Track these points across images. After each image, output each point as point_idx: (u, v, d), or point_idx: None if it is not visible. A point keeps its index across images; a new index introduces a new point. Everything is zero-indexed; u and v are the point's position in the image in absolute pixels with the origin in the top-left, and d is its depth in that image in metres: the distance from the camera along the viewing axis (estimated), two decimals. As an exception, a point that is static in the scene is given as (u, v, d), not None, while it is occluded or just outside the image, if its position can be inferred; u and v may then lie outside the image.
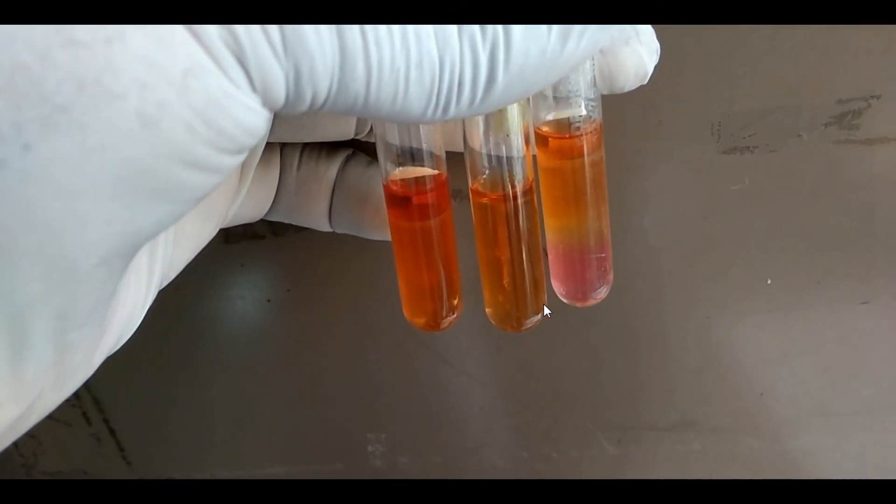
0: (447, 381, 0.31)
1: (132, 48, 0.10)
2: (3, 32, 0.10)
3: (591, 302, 0.21)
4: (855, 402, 0.30)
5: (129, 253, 0.12)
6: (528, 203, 0.19)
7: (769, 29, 0.23)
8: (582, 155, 0.19)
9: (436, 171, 0.20)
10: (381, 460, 0.33)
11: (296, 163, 0.22)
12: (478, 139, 0.18)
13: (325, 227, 0.23)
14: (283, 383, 0.31)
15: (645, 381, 0.30)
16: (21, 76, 0.10)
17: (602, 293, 0.21)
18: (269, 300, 0.29)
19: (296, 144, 0.22)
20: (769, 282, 0.27)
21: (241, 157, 0.13)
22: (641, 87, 0.23)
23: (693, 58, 0.23)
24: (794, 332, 0.29)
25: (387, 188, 0.20)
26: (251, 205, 0.21)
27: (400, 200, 0.20)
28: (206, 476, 0.33)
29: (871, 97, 0.23)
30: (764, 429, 0.31)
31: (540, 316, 0.21)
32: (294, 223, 0.23)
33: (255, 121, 0.12)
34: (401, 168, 0.19)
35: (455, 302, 0.21)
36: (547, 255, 0.21)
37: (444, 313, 0.21)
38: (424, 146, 0.19)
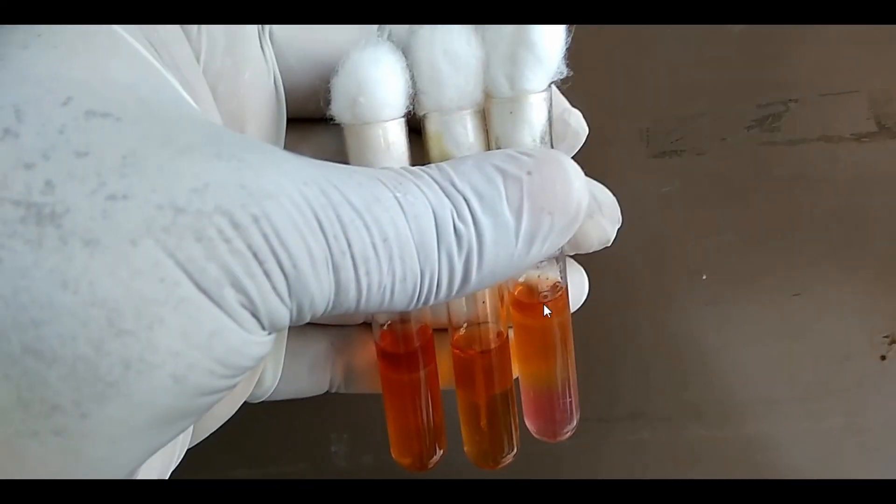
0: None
1: (168, 328, 0.12)
2: (66, 331, 0.12)
3: (561, 438, 0.22)
4: (794, 389, 0.32)
5: (151, 455, 0.14)
6: (503, 356, 0.21)
7: (693, 39, 0.24)
8: (550, 315, 0.20)
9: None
10: (344, 460, 0.34)
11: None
12: (456, 303, 0.21)
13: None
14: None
15: (593, 376, 0.31)
16: (81, 365, 0.12)
17: (570, 430, 0.22)
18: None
19: None
20: (704, 277, 0.28)
21: (252, 370, 0.15)
22: (575, 96, 0.24)
23: (622, 69, 0.24)
24: (732, 324, 0.30)
25: (378, 345, 0.21)
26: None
27: (390, 356, 0.21)
28: (168, 481, 0.34)
29: (790, 101, 0.25)
30: (709, 417, 0.32)
31: (515, 452, 0.23)
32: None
33: (262, 348, 0.14)
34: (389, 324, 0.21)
35: (440, 443, 0.23)
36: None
37: (431, 454, 0.23)
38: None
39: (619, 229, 0.26)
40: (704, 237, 0.27)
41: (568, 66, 0.24)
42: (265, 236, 0.13)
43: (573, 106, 0.22)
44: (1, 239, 0.12)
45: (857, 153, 0.26)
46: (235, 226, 0.13)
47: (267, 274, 0.13)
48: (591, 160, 0.26)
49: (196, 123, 0.14)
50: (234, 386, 0.15)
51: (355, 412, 0.33)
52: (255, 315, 0.14)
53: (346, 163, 0.18)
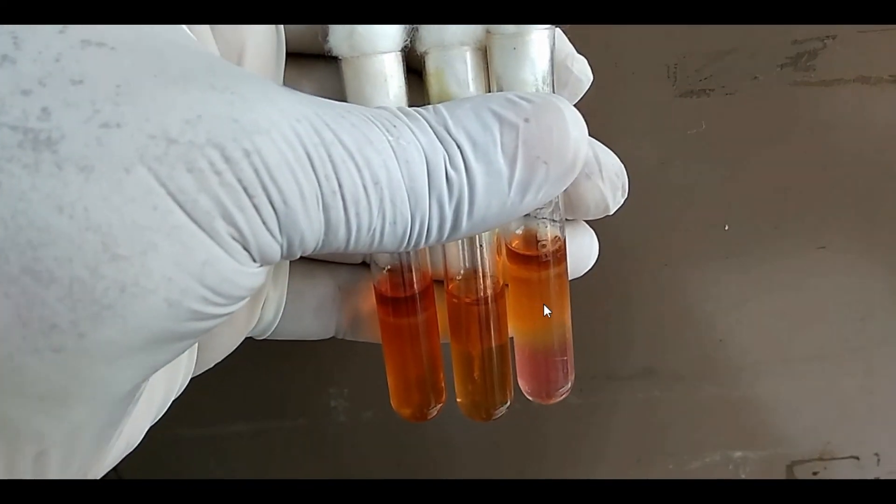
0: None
1: (162, 254, 0.13)
2: (62, 253, 0.12)
3: (555, 400, 0.22)
4: (813, 346, 0.31)
5: (149, 377, 0.15)
6: (499, 305, 0.21)
7: (725, -33, 0.22)
8: (547, 268, 0.20)
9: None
10: (344, 415, 0.33)
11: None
12: (453, 247, 0.21)
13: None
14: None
15: (605, 331, 0.30)
16: (77, 286, 0.12)
17: (565, 391, 0.22)
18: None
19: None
20: (727, 227, 0.27)
21: (246, 300, 0.15)
22: (597, 29, 0.22)
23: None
24: (751, 277, 0.29)
25: (377, 289, 0.21)
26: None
27: (389, 300, 0.21)
28: (168, 434, 0.33)
29: (827, 37, 0.23)
30: (723, 375, 0.31)
31: (507, 405, 0.22)
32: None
33: (255, 279, 0.15)
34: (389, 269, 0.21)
35: (439, 393, 0.23)
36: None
37: (430, 404, 0.23)
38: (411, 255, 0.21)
39: (637, 172, 0.25)
40: (729, 184, 0.26)
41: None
42: (256, 171, 0.13)
43: (595, 41, 0.20)
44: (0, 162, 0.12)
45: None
46: (226, 159, 0.13)
47: (257, 208, 0.14)
48: (614, 97, 0.24)
49: (191, 53, 0.14)
50: (230, 314, 0.15)
51: (355, 366, 0.32)
52: (245, 247, 0.14)
53: (345, 100, 0.18)
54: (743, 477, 0.35)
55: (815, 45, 0.23)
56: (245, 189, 0.13)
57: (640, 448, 0.34)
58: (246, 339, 0.23)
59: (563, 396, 0.22)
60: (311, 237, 0.15)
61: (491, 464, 0.34)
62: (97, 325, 0.13)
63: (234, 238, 0.14)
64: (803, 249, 0.28)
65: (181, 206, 0.13)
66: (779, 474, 0.34)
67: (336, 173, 0.14)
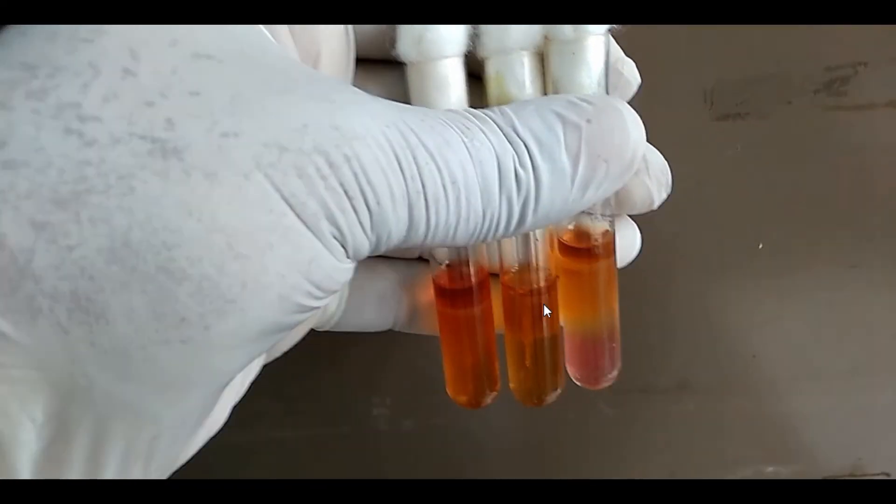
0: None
1: (277, 253, 0.14)
2: (193, 253, 0.13)
3: (603, 385, 0.23)
4: (845, 363, 0.31)
5: (252, 361, 0.16)
6: (551, 296, 0.22)
7: (760, -2, 0.23)
8: (597, 261, 0.21)
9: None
10: (385, 423, 0.34)
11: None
12: (508, 242, 0.21)
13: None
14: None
15: (641, 345, 0.31)
16: (206, 283, 0.13)
17: (612, 377, 0.23)
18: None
19: None
20: (761, 246, 0.28)
21: (337, 293, 0.17)
22: (638, 53, 0.24)
23: (688, 27, 0.24)
24: (786, 295, 0.29)
25: (436, 282, 0.22)
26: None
27: (447, 292, 0.22)
28: (219, 439, 0.34)
29: (859, 64, 0.24)
30: (756, 390, 0.32)
31: (559, 391, 0.23)
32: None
33: (347, 274, 0.16)
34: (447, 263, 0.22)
35: (494, 382, 0.24)
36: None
37: (485, 392, 0.24)
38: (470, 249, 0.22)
39: (674, 192, 0.26)
40: (764, 204, 0.27)
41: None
42: (355, 175, 0.14)
43: (636, 63, 0.22)
44: (133, 170, 0.13)
45: (926, 121, 0.25)
46: (331, 164, 0.14)
47: (355, 209, 0.15)
48: (652, 120, 0.25)
49: (286, 64, 0.16)
50: (323, 306, 0.16)
51: (398, 375, 0.33)
52: (343, 245, 0.15)
53: (409, 103, 0.18)
54: (775, 491, 0.35)
55: (848, 71, 0.24)
56: (346, 192, 0.14)
57: (673, 461, 0.34)
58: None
59: (610, 382, 0.23)
60: (396, 234, 0.16)
61: (526, 474, 0.35)
62: (221, 319, 0.14)
63: (335, 237, 0.15)
64: (836, 268, 0.29)
65: (293, 209, 0.14)
66: (811, 489, 0.35)
67: (420, 174, 0.15)
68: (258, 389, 0.33)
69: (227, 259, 0.14)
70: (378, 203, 0.15)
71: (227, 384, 0.16)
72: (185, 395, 0.15)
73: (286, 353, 0.31)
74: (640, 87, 0.24)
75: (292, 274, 0.14)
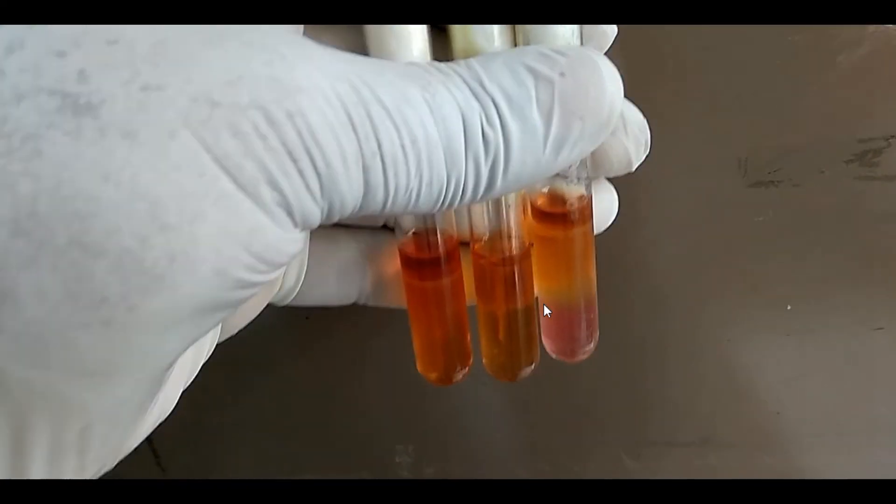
0: (473, 394, 0.32)
1: (210, 223, 0.13)
2: (110, 224, 0.12)
3: (579, 359, 0.22)
4: (868, 422, 0.32)
5: (191, 346, 0.15)
6: (524, 265, 0.21)
7: (795, 71, 0.24)
8: (573, 227, 0.20)
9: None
10: (407, 470, 0.34)
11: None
12: (478, 208, 0.20)
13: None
14: (313, 390, 0.32)
15: (666, 399, 0.31)
16: (127, 258, 0.12)
17: (589, 350, 0.22)
18: (306, 316, 0.30)
19: None
20: (789, 307, 0.28)
21: (285, 267, 0.15)
22: (673, 121, 0.24)
23: (722, 96, 0.24)
24: (810, 354, 0.30)
25: (402, 251, 0.21)
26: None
27: (414, 262, 0.21)
28: (229, 478, 0.34)
29: (891, 137, 0.25)
30: (779, 446, 0.32)
31: (533, 366, 0.22)
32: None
33: (296, 245, 0.14)
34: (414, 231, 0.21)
35: (466, 356, 0.23)
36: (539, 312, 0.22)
37: (456, 368, 0.23)
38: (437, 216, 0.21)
39: (707, 256, 0.26)
40: (793, 267, 0.27)
41: (673, 91, 0.24)
42: (299, 133, 0.13)
43: (671, 135, 0.22)
44: (40, 130, 0.12)
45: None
46: (270, 121, 0.13)
47: (301, 173, 0.13)
48: (687, 185, 0.26)
49: None
50: (269, 282, 0.15)
51: (421, 423, 0.33)
52: (289, 213, 0.14)
53: (366, 54, 0.17)
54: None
55: (880, 143, 0.25)
56: (290, 153, 0.13)
57: None
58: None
59: (587, 356, 0.22)
60: (350, 200, 0.14)
61: None
62: (147, 297, 0.12)
63: (278, 204, 0.13)
64: (861, 328, 0.29)
65: (227, 173, 0.12)
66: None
67: (376, 133, 0.14)
68: (276, 431, 0.33)
69: (151, 230, 0.12)
70: (327, 166, 0.13)
71: (167, 368, 0.15)
72: (113, 382, 0.13)
73: (303, 394, 0.30)
74: (675, 153, 0.25)
75: (229, 246, 0.13)
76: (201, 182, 0.12)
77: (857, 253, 0.27)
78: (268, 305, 0.22)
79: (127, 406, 0.14)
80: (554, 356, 0.22)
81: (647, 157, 0.20)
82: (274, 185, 0.13)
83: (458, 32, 0.17)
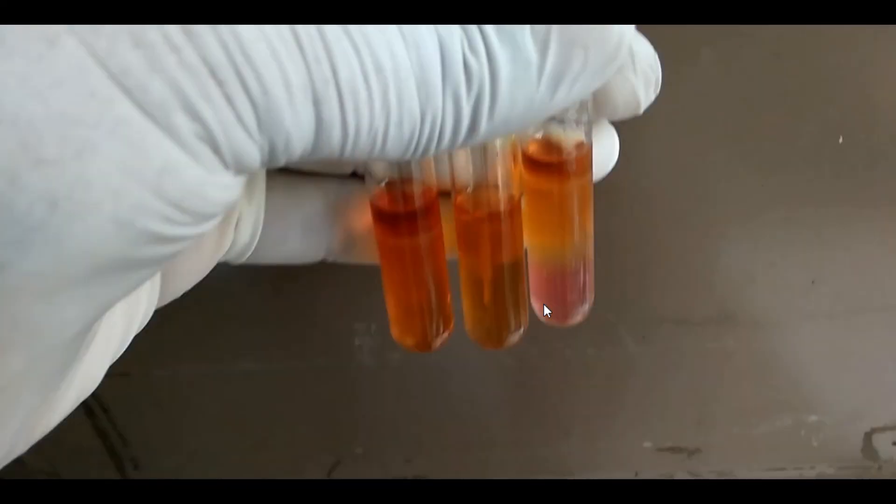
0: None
1: (103, 157, 0.10)
2: None
3: (571, 322, 0.20)
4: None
5: (103, 314, 0.13)
6: (514, 221, 0.19)
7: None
8: (569, 178, 0.18)
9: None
10: (369, 356, 0.29)
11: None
12: (462, 155, 0.18)
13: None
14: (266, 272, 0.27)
15: (678, 272, 0.27)
16: None
17: (584, 311, 0.20)
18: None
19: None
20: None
21: (218, 219, 0.13)
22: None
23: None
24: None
25: (373, 204, 0.19)
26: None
27: (387, 216, 0.19)
28: (178, 370, 0.30)
29: None
30: (809, 323, 0.28)
31: (521, 331, 0.20)
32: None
33: (229, 192, 0.12)
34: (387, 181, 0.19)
35: (447, 320, 0.21)
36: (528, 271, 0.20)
37: (435, 333, 0.21)
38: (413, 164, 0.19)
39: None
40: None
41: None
42: (225, 48, 0.11)
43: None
44: None
45: None
46: (186, 30, 0.11)
47: (228, 98, 0.11)
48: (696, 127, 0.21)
49: None
50: (199, 236, 0.13)
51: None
52: (215, 150, 0.11)
53: None
54: (815, 445, 0.31)
55: None
56: (213, 72, 0.11)
57: (703, 408, 0.30)
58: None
59: (582, 317, 0.20)
60: (298, 139, 0.12)
61: (525, 421, 0.31)
62: (23, 254, 0.10)
63: (199, 138, 0.11)
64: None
65: (127, 94, 0.10)
66: (855, 443, 0.31)
67: (329, 56, 0.11)
68: (221, 315, 0.28)
69: (23, 166, 0.10)
70: (265, 92, 0.11)
71: (73, 338, 0.13)
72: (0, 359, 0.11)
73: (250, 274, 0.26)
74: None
75: (131, 188, 0.11)
76: (91, 104, 0.10)
77: None
78: (222, 264, 0.19)
79: (26, 385, 0.13)
80: (544, 320, 0.20)
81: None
82: (192, 113, 0.11)
83: None
